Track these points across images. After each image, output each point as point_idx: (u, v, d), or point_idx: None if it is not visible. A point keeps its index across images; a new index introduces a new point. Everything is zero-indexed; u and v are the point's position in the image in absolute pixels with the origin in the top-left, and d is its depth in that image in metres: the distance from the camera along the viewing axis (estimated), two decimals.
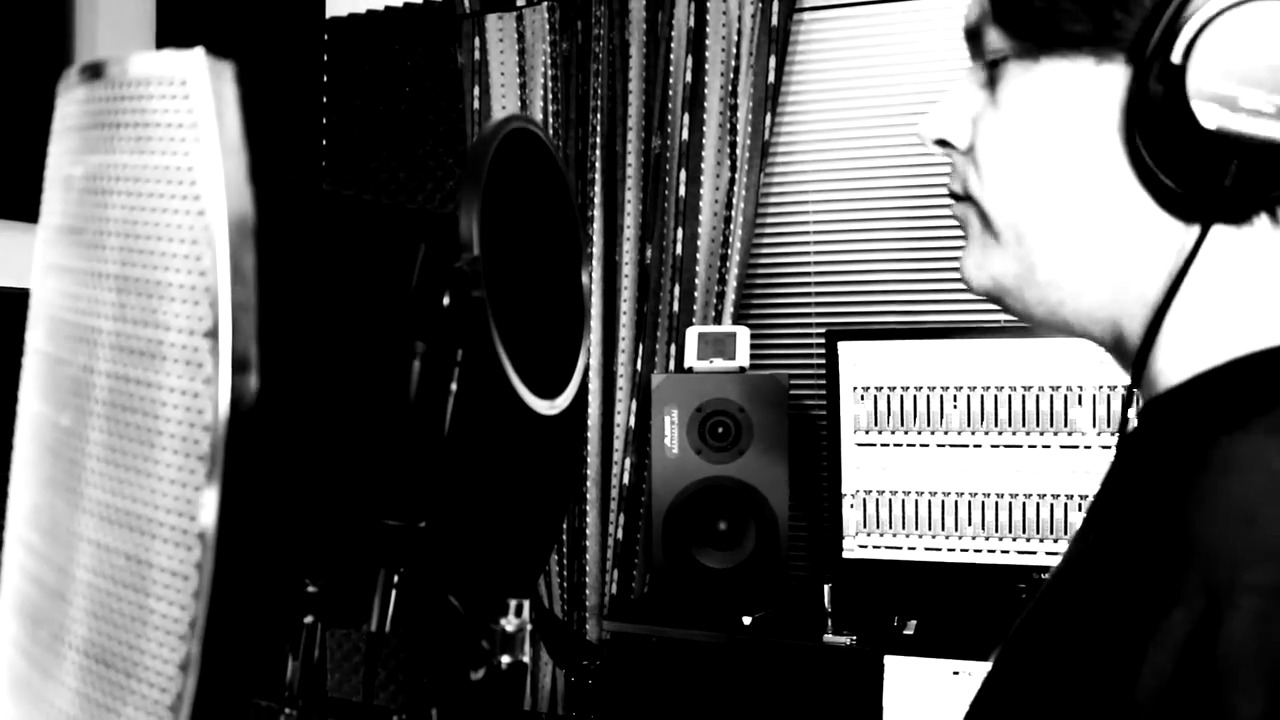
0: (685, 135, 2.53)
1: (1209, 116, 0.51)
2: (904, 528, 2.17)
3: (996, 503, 2.10)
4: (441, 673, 0.60)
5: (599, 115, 2.61)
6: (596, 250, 2.60)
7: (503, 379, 0.56)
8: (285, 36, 2.96)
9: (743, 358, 2.27)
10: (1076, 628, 0.52)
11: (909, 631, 2.02)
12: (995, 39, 0.60)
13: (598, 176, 2.61)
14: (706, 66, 2.52)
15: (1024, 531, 2.09)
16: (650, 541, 2.48)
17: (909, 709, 1.90)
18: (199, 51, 0.44)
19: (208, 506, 0.42)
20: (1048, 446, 2.07)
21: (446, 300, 0.54)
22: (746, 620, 2.11)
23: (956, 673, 1.89)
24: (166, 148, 0.44)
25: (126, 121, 0.45)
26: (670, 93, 2.56)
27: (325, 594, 0.54)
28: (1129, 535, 0.52)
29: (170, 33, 2.79)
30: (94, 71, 0.48)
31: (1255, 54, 0.50)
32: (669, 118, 2.56)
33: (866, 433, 2.18)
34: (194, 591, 0.42)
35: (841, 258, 2.58)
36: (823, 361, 2.43)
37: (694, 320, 2.51)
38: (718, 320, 2.51)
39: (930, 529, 2.15)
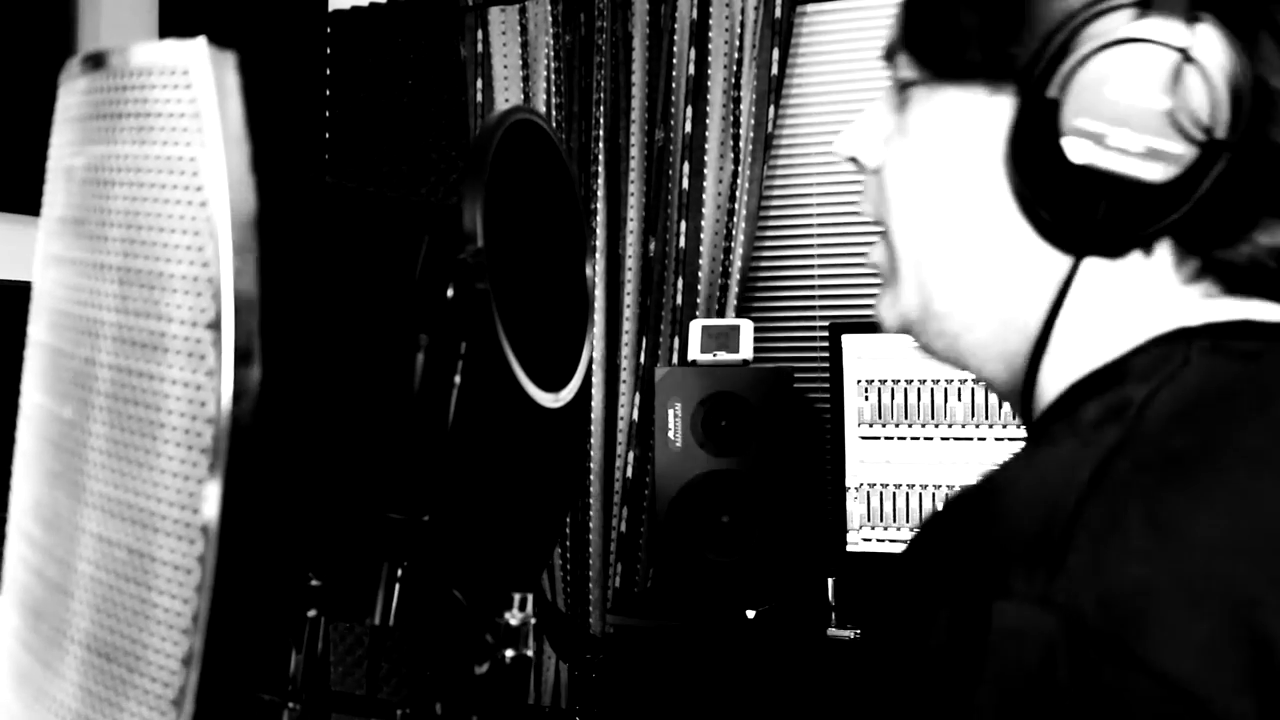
0: (688, 128, 2.52)
1: (1077, 152, 0.52)
2: (908, 521, 2.17)
3: None
4: (445, 666, 0.59)
5: (602, 108, 2.61)
6: (600, 243, 2.60)
7: (507, 372, 0.56)
8: (288, 29, 2.96)
9: (746, 351, 2.26)
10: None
11: None
12: (904, 64, 0.61)
13: (601, 169, 2.60)
14: (710, 59, 2.51)
15: None
16: (653, 535, 2.48)
17: None
18: (201, 41, 0.44)
19: (210, 500, 0.42)
20: None
21: (450, 292, 0.53)
22: (750, 614, 2.11)
23: None
24: (169, 138, 0.44)
25: (128, 112, 0.45)
26: (673, 85, 2.55)
27: (328, 588, 0.54)
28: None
29: (173, 25, 2.79)
30: (96, 62, 0.47)
31: (1126, 93, 0.51)
32: (672, 110, 2.55)
33: (870, 426, 2.18)
34: (196, 585, 0.42)
35: (845, 250, 2.58)
36: (826, 354, 2.42)
37: (697, 313, 2.51)
38: (721, 313, 2.50)
39: None
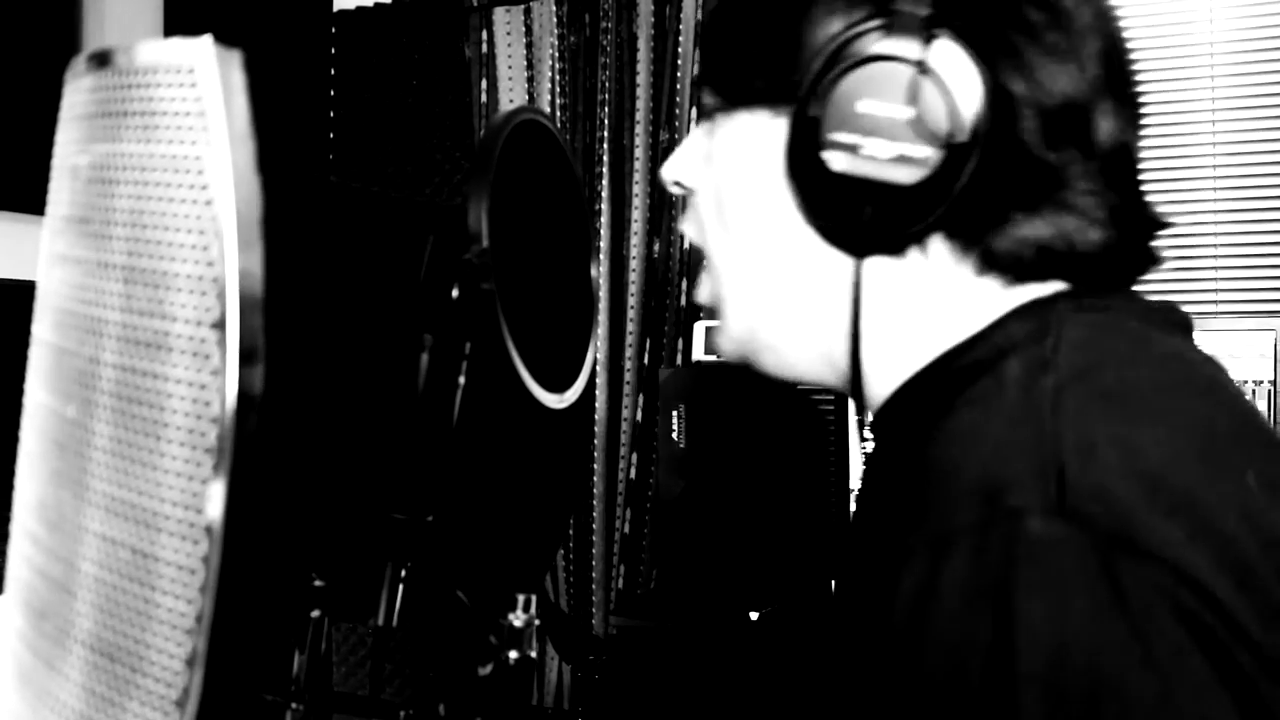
0: (693, 128, 2.52)
1: (837, 162, 0.57)
2: None
3: None
4: (449, 667, 0.59)
5: (607, 109, 2.60)
6: (604, 244, 2.60)
7: (511, 372, 0.55)
8: (293, 29, 2.96)
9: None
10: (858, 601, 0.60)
11: None
12: (707, 93, 0.66)
13: (605, 170, 2.60)
14: None
15: None
16: (656, 536, 2.48)
17: None
18: (207, 40, 0.43)
19: (214, 500, 0.42)
20: None
21: (455, 293, 0.53)
22: (753, 616, 2.11)
23: None
24: (174, 136, 0.44)
25: (134, 110, 0.45)
26: (678, 86, 2.55)
27: (332, 588, 0.54)
28: (882, 528, 0.61)
29: (178, 24, 2.79)
30: (101, 60, 0.47)
31: (873, 106, 0.56)
32: (677, 111, 2.55)
33: None
34: (200, 586, 0.42)
35: None
36: None
37: (701, 314, 2.51)
38: None
39: None
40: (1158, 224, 0.62)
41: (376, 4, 2.98)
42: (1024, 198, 0.58)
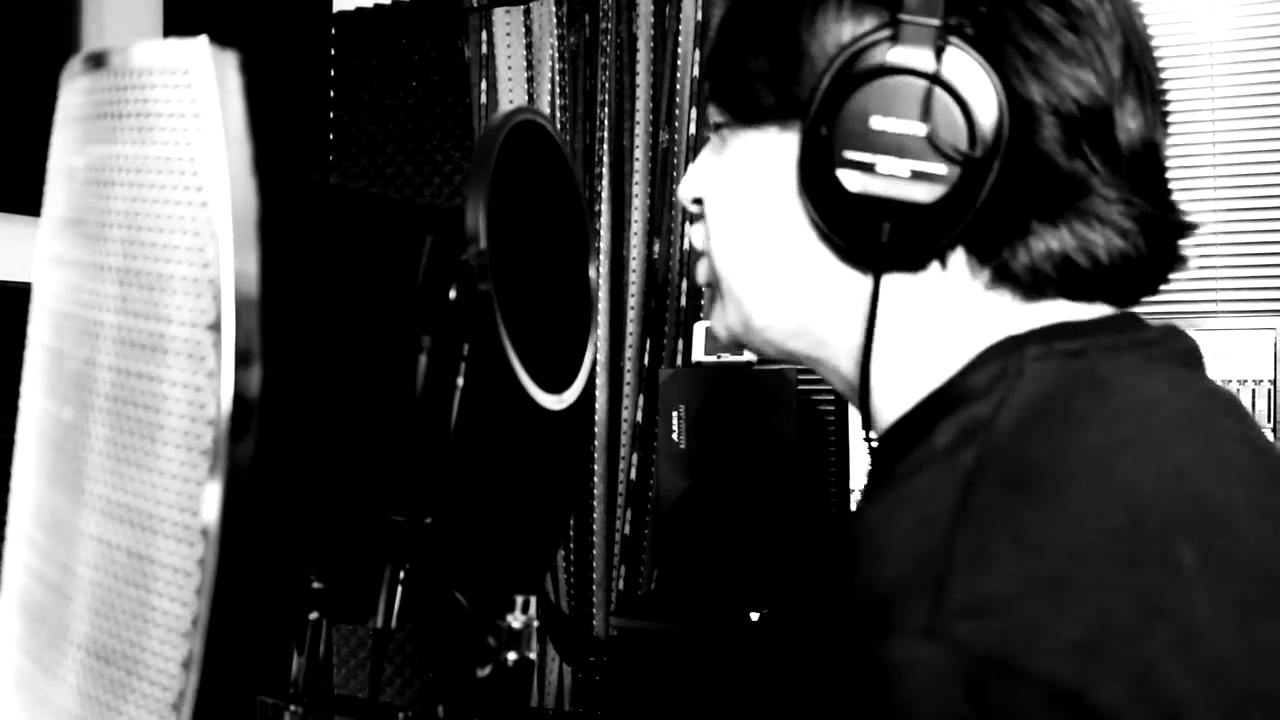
0: (693, 129, 2.52)
1: (852, 182, 0.55)
2: None
3: None
4: (448, 669, 0.59)
5: (606, 109, 2.60)
6: (604, 245, 2.60)
7: (509, 374, 0.55)
8: (292, 30, 2.96)
9: (750, 353, 2.26)
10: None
11: None
12: (714, 111, 0.66)
13: (605, 171, 2.60)
14: None
15: None
16: (657, 537, 2.48)
17: None
18: (202, 41, 0.43)
19: (210, 502, 0.41)
20: None
21: (453, 294, 0.53)
22: (754, 616, 2.11)
23: None
24: (169, 138, 0.44)
25: (129, 111, 0.45)
26: (678, 87, 2.55)
27: (330, 590, 0.54)
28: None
29: (177, 25, 2.79)
30: (97, 61, 0.47)
31: (887, 123, 0.55)
32: (677, 112, 2.55)
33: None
34: (196, 588, 0.42)
35: None
36: None
37: (701, 315, 2.50)
38: None
39: None
40: (1184, 228, 0.59)
41: (376, 4, 2.98)
42: (1046, 208, 0.55)
